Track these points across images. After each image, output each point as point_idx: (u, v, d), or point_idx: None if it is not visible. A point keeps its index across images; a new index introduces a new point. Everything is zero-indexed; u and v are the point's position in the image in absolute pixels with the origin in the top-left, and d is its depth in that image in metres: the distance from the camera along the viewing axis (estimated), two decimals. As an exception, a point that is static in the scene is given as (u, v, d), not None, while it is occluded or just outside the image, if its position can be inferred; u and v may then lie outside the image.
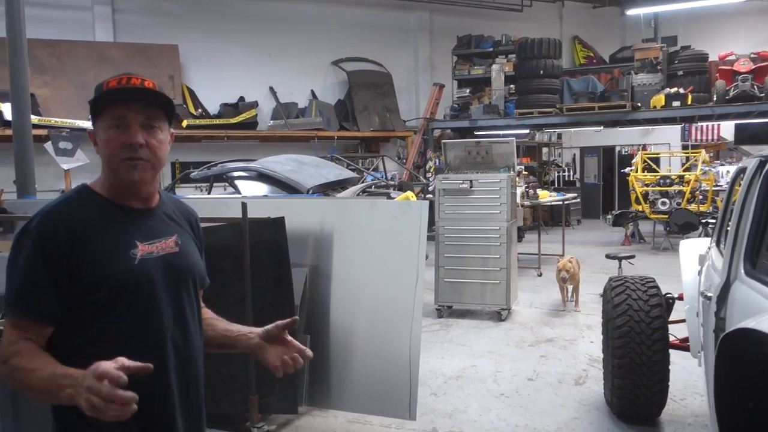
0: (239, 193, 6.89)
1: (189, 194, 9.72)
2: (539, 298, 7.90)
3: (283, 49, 15.04)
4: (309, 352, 1.72)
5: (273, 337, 1.72)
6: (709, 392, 2.40)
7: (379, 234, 3.97)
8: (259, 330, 1.75)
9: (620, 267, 7.39)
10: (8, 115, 7.74)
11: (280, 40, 15.06)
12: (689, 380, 4.71)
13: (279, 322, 1.72)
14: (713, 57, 13.53)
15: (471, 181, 6.85)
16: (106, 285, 1.53)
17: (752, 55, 12.36)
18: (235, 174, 7.38)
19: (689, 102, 12.47)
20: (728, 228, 2.83)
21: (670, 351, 3.85)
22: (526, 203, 10.25)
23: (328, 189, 7.13)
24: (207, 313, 1.86)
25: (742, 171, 3.10)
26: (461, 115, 15.01)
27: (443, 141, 8.54)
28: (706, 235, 9.15)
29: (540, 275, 9.20)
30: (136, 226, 1.63)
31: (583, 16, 18.48)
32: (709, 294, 2.74)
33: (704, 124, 16.22)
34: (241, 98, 14.51)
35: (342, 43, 15.59)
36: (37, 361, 1.45)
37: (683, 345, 3.92)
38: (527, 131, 15.64)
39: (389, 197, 6.69)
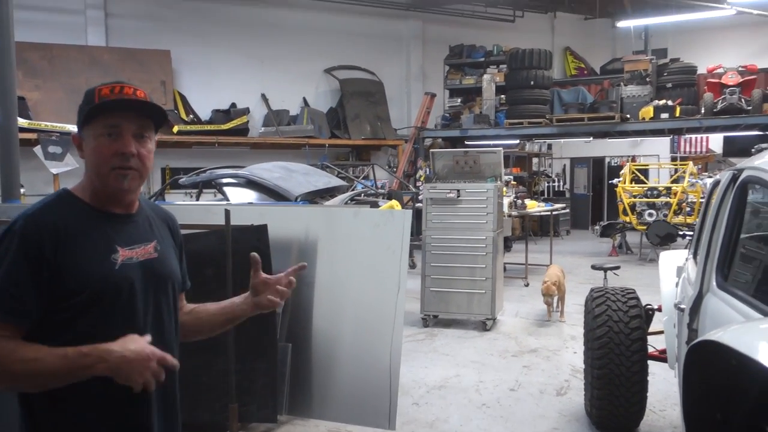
0: (228, 199, 6.88)
1: (178, 200, 9.70)
2: (525, 308, 7.92)
3: (275, 56, 15.09)
4: (300, 266, 1.88)
5: (259, 287, 1.83)
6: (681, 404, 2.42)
7: (362, 242, 3.98)
8: (245, 294, 1.86)
9: (605, 278, 7.42)
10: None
11: (272, 47, 15.10)
12: (669, 391, 4.73)
13: (281, 274, 1.85)
14: (702, 70, 13.66)
15: (458, 190, 6.87)
16: (86, 289, 1.54)
17: (740, 69, 12.53)
18: (224, 180, 7.37)
19: (677, 114, 12.60)
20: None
21: (650, 362, 3.87)
22: (514, 213, 10.28)
23: (317, 197, 7.12)
24: (192, 305, 1.92)
25: (717, 184, 3.13)
26: (452, 125, 15.10)
27: (432, 150, 8.56)
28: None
29: (527, 285, 9.22)
30: (116, 231, 1.64)
31: (574, 27, 18.60)
32: (682, 306, 2.76)
33: (692, 136, 16.38)
34: (233, 104, 14.53)
35: (335, 51, 15.65)
36: (29, 350, 1.47)
37: (662, 356, 3.93)
38: (517, 141, 15.72)
39: (377, 206, 6.69)
